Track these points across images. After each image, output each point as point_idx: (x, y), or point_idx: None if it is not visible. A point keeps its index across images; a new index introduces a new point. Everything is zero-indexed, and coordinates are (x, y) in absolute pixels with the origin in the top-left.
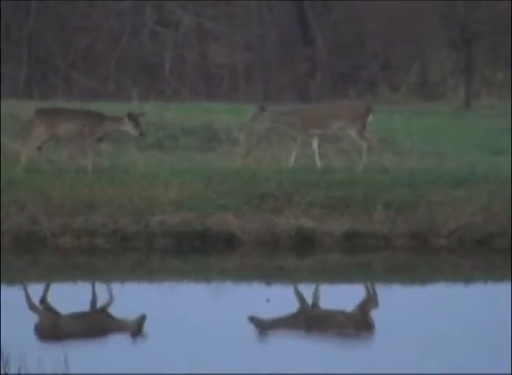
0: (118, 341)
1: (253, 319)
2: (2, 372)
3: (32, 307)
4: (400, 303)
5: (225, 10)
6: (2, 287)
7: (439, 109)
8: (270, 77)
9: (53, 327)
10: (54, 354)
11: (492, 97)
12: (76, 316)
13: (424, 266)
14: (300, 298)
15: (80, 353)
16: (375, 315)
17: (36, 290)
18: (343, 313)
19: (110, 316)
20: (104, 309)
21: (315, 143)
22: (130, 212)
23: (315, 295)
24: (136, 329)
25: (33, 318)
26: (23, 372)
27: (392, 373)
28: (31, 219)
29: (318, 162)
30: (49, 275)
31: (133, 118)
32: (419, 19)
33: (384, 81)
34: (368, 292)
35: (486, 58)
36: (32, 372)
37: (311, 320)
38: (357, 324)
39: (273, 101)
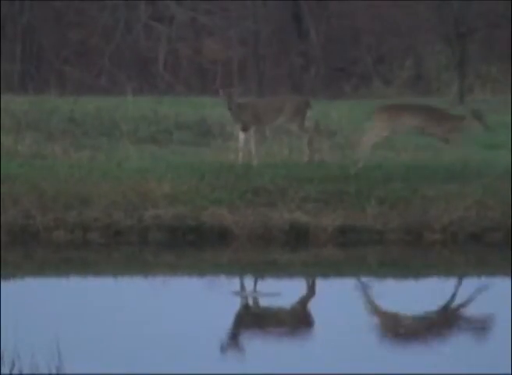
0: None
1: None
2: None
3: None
4: (393, 297)
5: (220, 5)
6: None
7: (433, 104)
8: (264, 72)
9: (396, 327)
10: (47, 350)
11: (485, 91)
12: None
13: (417, 261)
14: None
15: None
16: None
17: (32, 285)
18: (283, 310)
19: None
20: (451, 307)
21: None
22: (124, 206)
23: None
24: (483, 326)
25: (29, 315)
26: (16, 368)
27: (390, 368)
28: (25, 214)
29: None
30: (44, 269)
31: (478, 115)
32: (413, 13)
33: (378, 75)
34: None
35: (480, 53)
36: (25, 367)
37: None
38: (297, 320)
39: (267, 95)
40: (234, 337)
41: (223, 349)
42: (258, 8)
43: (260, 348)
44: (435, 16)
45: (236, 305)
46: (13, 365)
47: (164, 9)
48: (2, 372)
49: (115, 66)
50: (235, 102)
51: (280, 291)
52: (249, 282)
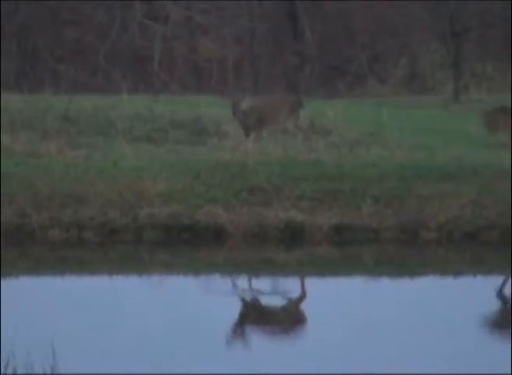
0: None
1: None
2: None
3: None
4: (388, 296)
5: (215, 4)
6: None
7: (428, 102)
8: (259, 71)
9: None
10: (42, 349)
11: (481, 90)
12: None
13: (413, 259)
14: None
15: None
16: (365, 309)
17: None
18: (278, 308)
19: None
20: None
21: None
22: (119, 205)
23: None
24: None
25: (24, 314)
26: (10, 367)
27: (387, 368)
28: (20, 212)
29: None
30: (39, 268)
31: None
32: (408, 12)
33: (373, 74)
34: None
35: (475, 52)
36: (19, 367)
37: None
38: (292, 318)
39: (262, 94)
40: (239, 334)
41: (229, 344)
42: (254, 7)
43: (256, 346)
44: (430, 15)
45: (232, 303)
46: (7, 364)
47: (159, 8)
48: None
49: (111, 65)
50: (240, 109)
51: (284, 290)
52: (244, 281)
